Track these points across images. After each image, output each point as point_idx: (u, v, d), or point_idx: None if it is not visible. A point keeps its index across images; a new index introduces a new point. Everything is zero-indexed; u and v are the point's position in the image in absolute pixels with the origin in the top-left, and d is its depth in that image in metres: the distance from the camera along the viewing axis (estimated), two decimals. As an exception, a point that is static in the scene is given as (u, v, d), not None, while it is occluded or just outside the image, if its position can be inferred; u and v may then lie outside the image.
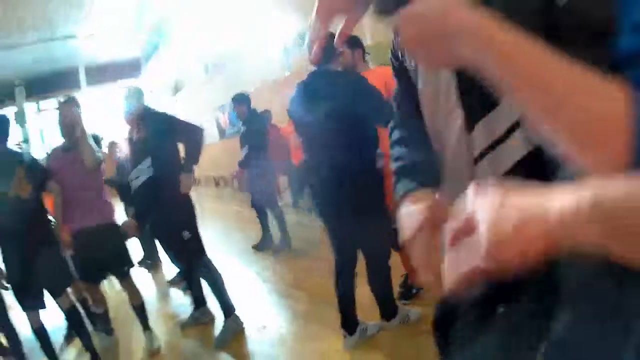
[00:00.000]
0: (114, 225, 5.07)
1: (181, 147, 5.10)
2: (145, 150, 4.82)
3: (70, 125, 4.72)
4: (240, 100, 7.77)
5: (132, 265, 5.43)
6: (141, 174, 4.83)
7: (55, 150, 5.08)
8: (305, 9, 10.54)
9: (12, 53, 21.92)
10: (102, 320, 5.37)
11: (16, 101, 26.23)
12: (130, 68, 27.38)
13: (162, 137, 4.80)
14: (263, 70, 13.94)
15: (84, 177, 4.79)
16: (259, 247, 8.19)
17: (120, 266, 5.17)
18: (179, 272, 6.53)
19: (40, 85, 26.20)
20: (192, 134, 4.99)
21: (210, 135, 17.79)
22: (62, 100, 5.03)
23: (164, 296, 7.18)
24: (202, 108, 19.19)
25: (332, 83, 3.68)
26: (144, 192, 4.90)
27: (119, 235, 5.11)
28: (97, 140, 5.15)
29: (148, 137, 4.81)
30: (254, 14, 13.70)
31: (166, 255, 5.82)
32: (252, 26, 14.19)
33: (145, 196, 4.92)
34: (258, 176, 7.78)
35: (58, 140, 5.14)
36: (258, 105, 12.61)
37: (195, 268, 5.13)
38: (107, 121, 18.91)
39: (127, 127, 5.20)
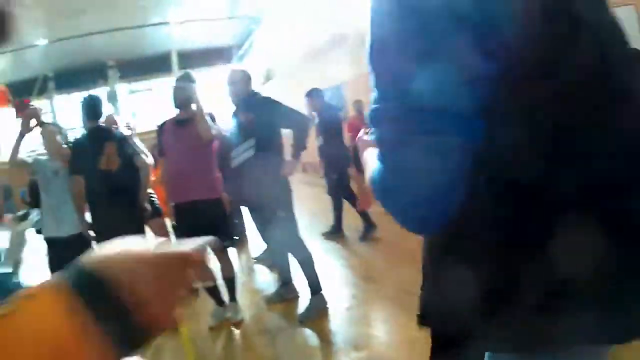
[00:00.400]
0: (220, 200, 5.20)
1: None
2: (250, 131, 4.93)
3: (186, 99, 4.89)
4: (313, 94, 7.93)
5: (233, 242, 5.64)
6: (243, 153, 4.96)
7: (167, 123, 5.18)
8: None
9: (106, 36, 23.06)
10: (213, 293, 5.51)
11: (108, 82, 27.41)
12: (223, 55, 28.05)
13: (269, 121, 4.94)
14: (357, 59, 13.89)
15: (197, 151, 4.93)
16: (328, 236, 8.40)
17: (223, 241, 5.28)
18: (266, 250, 6.74)
19: (133, 68, 27.31)
20: (299, 122, 5.09)
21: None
22: (179, 75, 5.20)
23: (249, 272, 7.40)
24: (293, 95, 19.21)
25: None
26: (244, 170, 5.04)
27: (224, 210, 5.26)
28: (212, 118, 5.32)
29: (255, 119, 4.94)
30: (344, 5, 13.75)
31: (253, 233, 5.93)
32: (345, 16, 14.21)
33: (244, 174, 5.07)
34: (331, 165, 8.00)
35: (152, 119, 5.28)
36: (353, 95, 12.76)
37: (286, 246, 5.29)
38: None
39: (231, 109, 5.35)
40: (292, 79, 19.79)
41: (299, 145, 5.04)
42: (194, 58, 27.15)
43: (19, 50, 22.95)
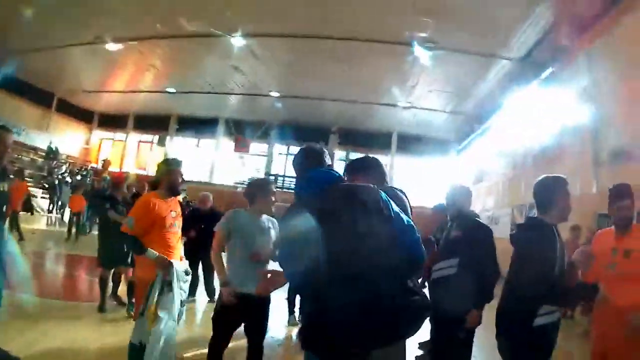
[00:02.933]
0: None
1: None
2: (453, 250, 4.63)
3: None
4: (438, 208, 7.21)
5: None
6: (447, 268, 4.65)
7: None
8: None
9: (335, 104, 24.76)
10: None
11: (328, 144, 28.78)
12: (439, 148, 28.08)
13: (471, 245, 4.58)
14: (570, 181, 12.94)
15: None
16: None
17: None
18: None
19: (353, 138, 28.76)
20: (489, 267, 4.67)
21: (503, 231, 17.34)
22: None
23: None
24: (501, 203, 18.89)
25: None
26: (442, 284, 4.71)
27: None
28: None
29: (462, 239, 4.62)
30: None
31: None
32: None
33: (442, 289, 4.71)
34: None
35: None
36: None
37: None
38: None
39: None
40: (501, 186, 19.27)
41: (483, 296, 4.45)
42: (411, 143, 27.97)
43: (252, 95, 25.33)
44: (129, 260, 6.88)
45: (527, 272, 3.32)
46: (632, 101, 10.18)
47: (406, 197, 3.38)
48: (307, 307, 2.79)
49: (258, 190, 4.63)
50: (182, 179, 4.76)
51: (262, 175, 29.72)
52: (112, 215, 7.36)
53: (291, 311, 7.88)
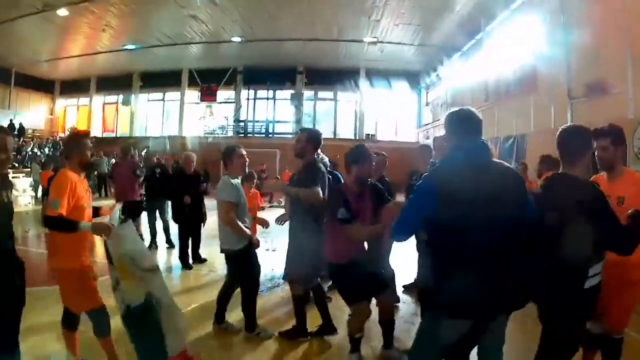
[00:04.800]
0: None
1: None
2: None
3: None
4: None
5: None
6: None
7: None
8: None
9: (299, 44, 24.19)
10: None
11: (295, 85, 29.00)
12: (409, 81, 28.14)
13: None
14: (541, 115, 13.32)
15: None
16: None
17: None
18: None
19: (320, 76, 28.53)
20: None
21: (477, 165, 17.25)
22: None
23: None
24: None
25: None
26: None
27: None
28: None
29: None
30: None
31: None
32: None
33: None
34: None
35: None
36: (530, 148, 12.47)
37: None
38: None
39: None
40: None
41: None
42: (380, 77, 27.76)
43: (214, 43, 24.76)
44: None
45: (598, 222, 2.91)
46: (603, 31, 10.16)
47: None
48: (442, 275, 2.82)
49: (226, 157, 5.31)
50: (91, 151, 4.34)
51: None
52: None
53: None
